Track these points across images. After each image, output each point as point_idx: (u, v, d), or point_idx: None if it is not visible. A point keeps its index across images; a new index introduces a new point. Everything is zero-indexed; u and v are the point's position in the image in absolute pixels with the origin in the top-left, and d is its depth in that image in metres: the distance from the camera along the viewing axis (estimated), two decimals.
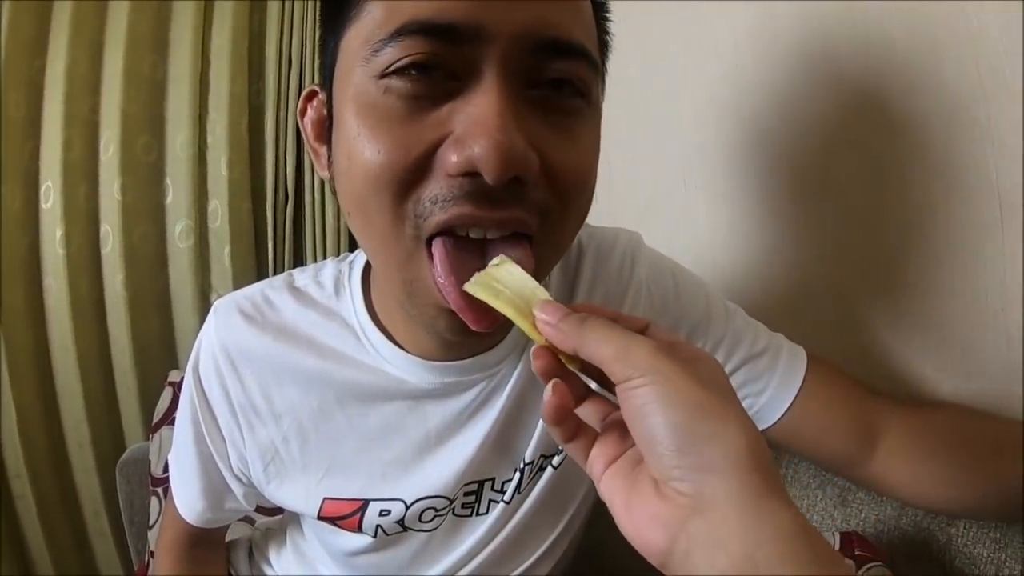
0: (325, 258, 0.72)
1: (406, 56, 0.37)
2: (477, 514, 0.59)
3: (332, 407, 0.54)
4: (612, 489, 0.33)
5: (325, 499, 0.56)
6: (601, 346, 0.32)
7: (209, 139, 1.27)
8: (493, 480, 0.57)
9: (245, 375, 0.55)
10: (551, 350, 0.34)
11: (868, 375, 0.63)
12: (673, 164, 0.84)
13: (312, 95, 0.49)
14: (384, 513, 0.56)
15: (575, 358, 0.33)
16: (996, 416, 0.57)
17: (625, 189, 0.91)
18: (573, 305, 0.35)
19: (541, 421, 0.56)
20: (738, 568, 0.26)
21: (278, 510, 0.68)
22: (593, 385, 0.35)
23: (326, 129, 0.46)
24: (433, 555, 0.60)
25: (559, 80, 0.40)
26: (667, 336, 0.35)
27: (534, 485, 0.59)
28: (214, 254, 1.29)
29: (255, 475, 0.57)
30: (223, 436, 0.57)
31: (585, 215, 0.45)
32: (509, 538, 0.60)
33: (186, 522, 0.62)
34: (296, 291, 0.57)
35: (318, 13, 0.48)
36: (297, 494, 0.57)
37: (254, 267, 1.34)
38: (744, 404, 0.58)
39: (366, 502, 0.56)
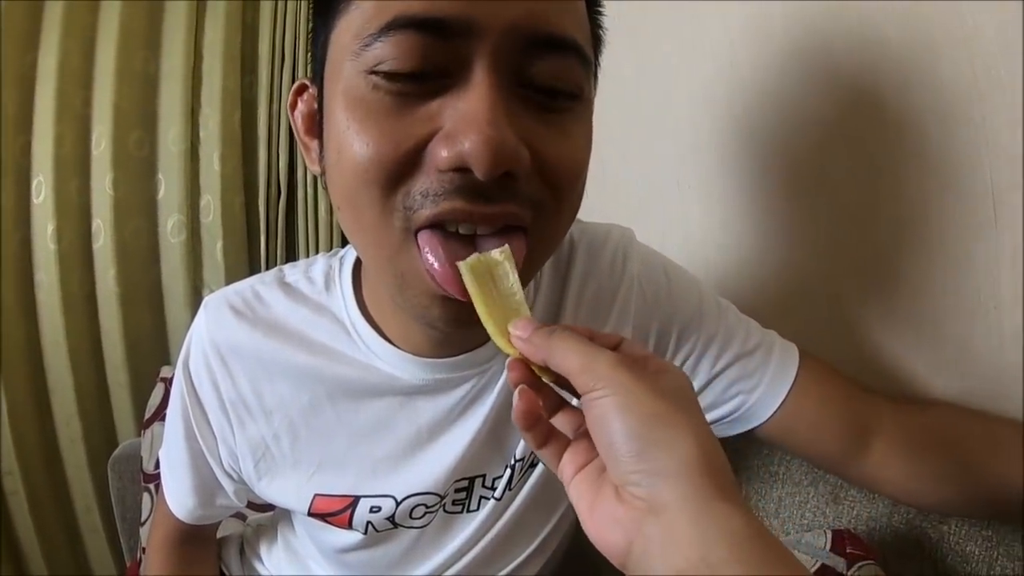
0: (318, 253, 0.71)
1: (393, 59, 0.37)
2: (468, 511, 0.59)
3: (323, 403, 0.54)
4: (579, 493, 0.34)
5: (315, 495, 0.56)
6: (568, 356, 0.33)
7: (201, 134, 1.26)
8: (484, 477, 0.57)
9: (235, 371, 0.54)
10: (525, 362, 0.36)
11: (861, 373, 0.63)
12: (666, 163, 0.84)
13: (302, 89, 0.48)
14: (375, 510, 0.55)
15: (547, 370, 0.35)
16: (988, 414, 0.57)
17: (618, 187, 0.91)
18: (559, 326, 0.36)
19: None
20: (694, 568, 0.27)
21: (270, 506, 0.68)
22: (574, 401, 0.36)
23: (316, 123, 0.46)
24: (424, 552, 0.60)
25: (552, 89, 0.39)
26: (639, 352, 0.36)
27: (525, 482, 0.59)
28: (206, 249, 1.29)
29: (246, 471, 0.57)
30: (213, 432, 0.57)
31: (577, 209, 0.45)
32: (500, 535, 0.60)
33: (177, 519, 0.62)
34: (287, 287, 0.56)
35: (310, 7, 0.47)
36: (288, 490, 0.57)
37: (246, 262, 1.33)
38: (736, 401, 0.58)
39: (356, 498, 0.55)
